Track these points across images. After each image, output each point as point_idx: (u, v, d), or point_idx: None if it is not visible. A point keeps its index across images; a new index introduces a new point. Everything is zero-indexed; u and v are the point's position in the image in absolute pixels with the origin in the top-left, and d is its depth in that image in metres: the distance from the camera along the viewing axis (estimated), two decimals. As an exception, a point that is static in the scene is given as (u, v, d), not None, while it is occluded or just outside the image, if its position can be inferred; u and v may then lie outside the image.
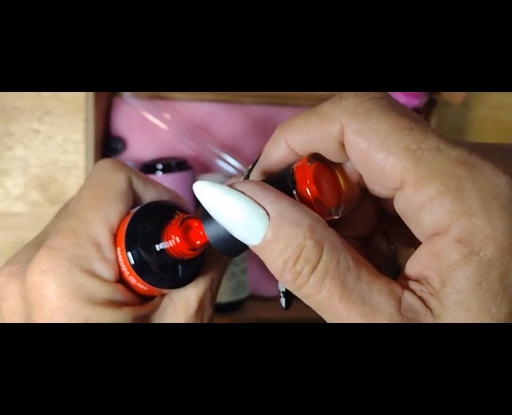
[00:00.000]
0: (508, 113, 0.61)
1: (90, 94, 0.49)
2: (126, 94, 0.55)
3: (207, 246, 0.28)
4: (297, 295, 0.21)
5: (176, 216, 0.28)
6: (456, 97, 0.54)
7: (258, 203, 0.21)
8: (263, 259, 0.21)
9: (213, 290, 0.30)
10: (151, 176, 0.51)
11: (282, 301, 0.24)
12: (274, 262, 0.21)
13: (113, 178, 0.28)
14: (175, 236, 0.26)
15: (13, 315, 0.27)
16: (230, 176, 0.55)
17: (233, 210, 0.21)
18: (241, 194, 0.21)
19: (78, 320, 0.25)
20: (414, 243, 0.27)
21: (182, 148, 0.56)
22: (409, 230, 0.22)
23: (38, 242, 0.28)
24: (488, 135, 0.62)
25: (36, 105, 0.56)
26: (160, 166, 0.52)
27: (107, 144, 0.55)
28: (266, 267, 0.61)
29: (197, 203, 0.54)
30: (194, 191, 0.22)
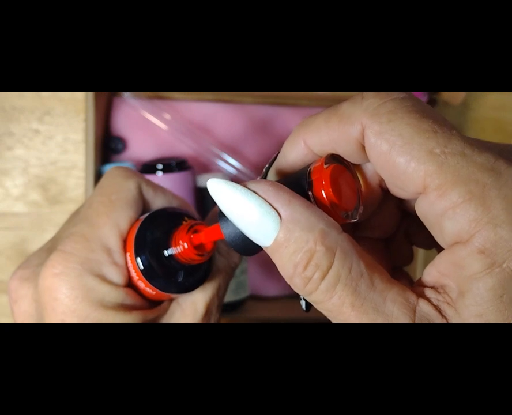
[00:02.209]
0: (508, 113, 0.61)
1: (90, 94, 0.49)
2: (126, 94, 0.55)
3: (213, 252, 0.28)
4: (308, 300, 0.21)
5: (184, 222, 0.28)
6: (456, 97, 0.54)
7: (271, 204, 0.20)
8: (274, 261, 0.21)
9: (219, 295, 0.30)
10: (151, 176, 0.51)
11: (302, 303, 0.24)
12: (284, 265, 0.20)
13: (124, 186, 0.29)
14: (183, 242, 0.27)
15: (25, 318, 0.28)
16: (230, 176, 0.55)
17: (245, 210, 0.20)
18: (254, 194, 0.21)
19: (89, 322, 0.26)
20: (436, 244, 0.27)
21: (182, 148, 0.56)
22: (430, 231, 0.21)
23: (50, 247, 0.29)
24: (488, 135, 0.62)
25: (35, 105, 0.56)
26: (160, 166, 0.52)
27: (107, 144, 0.55)
28: (266, 267, 0.61)
29: (199, 204, 0.54)
30: (208, 188, 0.21)
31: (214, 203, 0.61)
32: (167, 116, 0.55)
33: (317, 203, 0.22)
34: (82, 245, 0.26)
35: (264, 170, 0.26)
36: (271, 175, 0.25)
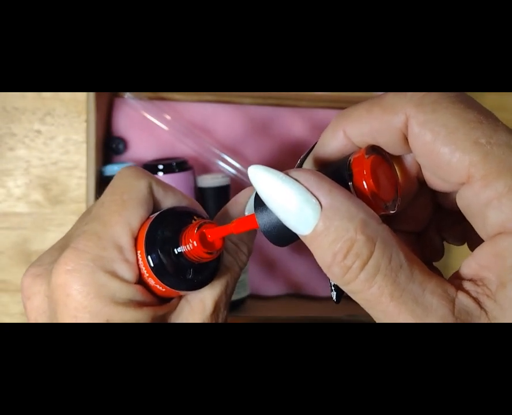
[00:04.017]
0: (506, 113, 0.61)
1: (91, 94, 0.50)
2: (127, 95, 0.55)
3: (222, 250, 0.28)
4: (344, 290, 0.21)
5: (194, 221, 0.28)
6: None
7: (312, 193, 0.20)
8: (311, 250, 0.21)
9: (227, 293, 0.30)
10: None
11: (333, 294, 0.24)
12: (322, 254, 0.20)
13: (135, 185, 0.29)
14: (193, 240, 0.27)
15: (38, 314, 0.28)
16: (230, 176, 0.55)
17: (286, 197, 0.20)
18: (295, 182, 0.21)
19: (100, 318, 0.26)
20: (467, 239, 0.27)
21: (182, 148, 0.56)
22: (463, 225, 0.21)
23: (62, 245, 0.29)
24: (488, 135, 0.62)
25: (37, 105, 0.56)
26: (160, 166, 0.52)
27: (108, 145, 0.55)
28: (266, 266, 0.61)
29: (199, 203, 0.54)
30: (249, 175, 0.21)
31: (215, 204, 0.60)
32: (168, 117, 0.55)
33: (358, 193, 0.22)
34: (94, 242, 0.27)
35: (299, 160, 0.26)
36: (308, 165, 0.25)
